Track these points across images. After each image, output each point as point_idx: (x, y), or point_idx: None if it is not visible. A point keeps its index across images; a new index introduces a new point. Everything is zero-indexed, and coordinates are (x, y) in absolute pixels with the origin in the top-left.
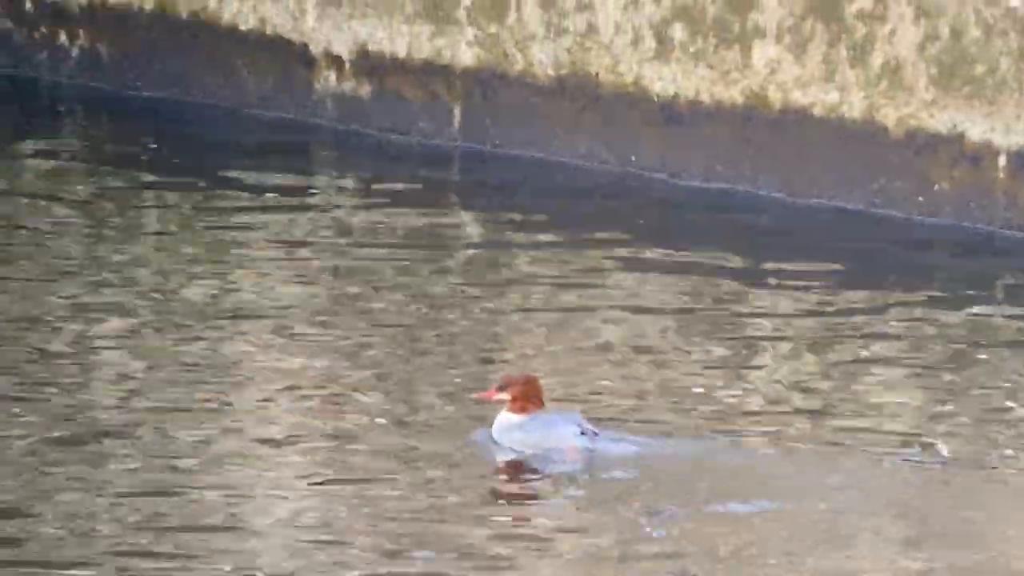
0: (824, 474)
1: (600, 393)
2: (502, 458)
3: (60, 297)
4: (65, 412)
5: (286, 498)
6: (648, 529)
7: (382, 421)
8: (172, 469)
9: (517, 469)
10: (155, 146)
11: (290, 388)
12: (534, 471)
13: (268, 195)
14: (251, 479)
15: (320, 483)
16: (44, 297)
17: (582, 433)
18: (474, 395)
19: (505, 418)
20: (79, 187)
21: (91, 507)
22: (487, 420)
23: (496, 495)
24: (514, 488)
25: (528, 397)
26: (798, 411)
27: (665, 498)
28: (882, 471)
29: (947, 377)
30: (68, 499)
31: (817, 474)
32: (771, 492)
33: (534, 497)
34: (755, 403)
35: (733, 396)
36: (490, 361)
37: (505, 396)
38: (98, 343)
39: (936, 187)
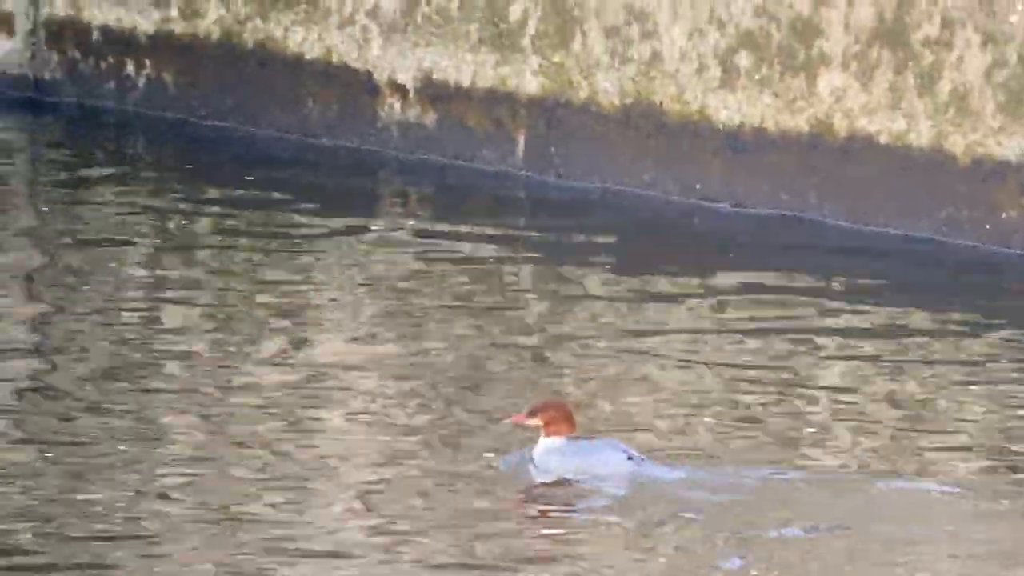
0: (885, 499)
1: (656, 418)
2: (546, 482)
3: (130, 322)
4: (129, 435)
5: (330, 518)
6: (708, 554)
7: (430, 443)
8: (224, 492)
9: (564, 494)
10: (251, 178)
11: (340, 411)
12: (581, 496)
13: (334, 221)
14: (295, 501)
15: (363, 506)
16: (116, 318)
17: (629, 458)
18: (505, 420)
19: (547, 443)
20: (150, 217)
21: (153, 529)
22: (526, 444)
23: (543, 521)
24: (561, 514)
25: (558, 421)
26: (859, 439)
27: (716, 524)
28: (946, 496)
29: (1015, 403)
30: (128, 521)
31: (877, 499)
32: (830, 518)
33: (581, 522)
34: (816, 428)
35: (791, 421)
36: (545, 389)
37: (537, 421)
38: (169, 368)
39: (1004, 215)
